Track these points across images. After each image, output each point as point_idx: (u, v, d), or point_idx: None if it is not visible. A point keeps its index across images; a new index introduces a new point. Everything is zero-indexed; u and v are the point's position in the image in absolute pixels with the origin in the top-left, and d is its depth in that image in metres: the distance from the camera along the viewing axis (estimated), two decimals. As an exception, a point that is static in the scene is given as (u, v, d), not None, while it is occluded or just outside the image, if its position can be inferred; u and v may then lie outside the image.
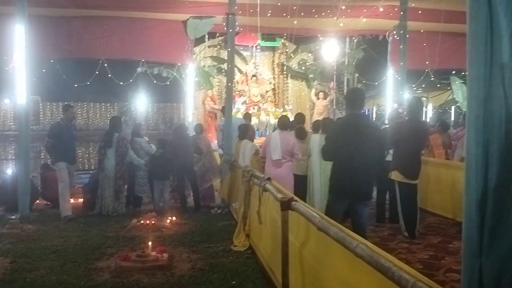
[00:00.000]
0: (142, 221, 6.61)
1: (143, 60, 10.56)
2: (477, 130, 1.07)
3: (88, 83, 10.56)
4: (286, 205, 3.51)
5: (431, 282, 1.68)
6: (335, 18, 8.78)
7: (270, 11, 8.52)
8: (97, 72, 10.28)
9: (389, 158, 6.39)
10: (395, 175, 6.09)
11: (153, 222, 6.61)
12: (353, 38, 12.37)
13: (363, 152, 4.28)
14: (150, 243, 5.14)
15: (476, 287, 1.09)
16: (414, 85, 12.97)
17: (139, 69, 10.75)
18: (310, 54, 13.24)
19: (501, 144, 1.03)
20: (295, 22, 9.01)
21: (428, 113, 19.90)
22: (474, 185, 1.08)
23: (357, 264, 2.30)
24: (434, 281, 1.72)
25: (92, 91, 12.30)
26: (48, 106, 15.46)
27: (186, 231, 6.37)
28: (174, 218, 6.89)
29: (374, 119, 17.26)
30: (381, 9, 8.59)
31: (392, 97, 10.78)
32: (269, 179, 4.62)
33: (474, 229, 1.08)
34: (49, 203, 8.27)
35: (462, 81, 10.92)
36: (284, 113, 11.18)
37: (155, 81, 10.99)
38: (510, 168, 1.04)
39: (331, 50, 11.84)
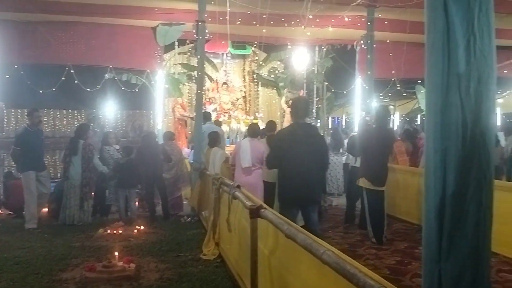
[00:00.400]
0: (109, 231, 6.47)
1: (111, 67, 10.38)
2: (436, 138, 1.10)
3: (54, 89, 10.28)
4: (255, 213, 3.51)
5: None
6: (303, 27, 8.89)
7: (240, 19, 8.56)
8: (63, 79, 10.04)
9: (358, 164, 6.52)
10: (362, 182, 6.19)
11: (120, 231, 6.48)
12: (322, 47, 12.54)
13: (307, 160, 4.42)
14: (116, 253, 5.03)
15: (436, 291, 1.12)
16: (381, 94, 13.25)
17: (107, 76, 10.55)
18: (280, 63, 13.35)
19: (458, 151, 1.06)
20: (264, 30, 9.07)
21: (396, 121, 20.34)
22: (433, 192, 1.11)
23: (324, 271, 2.31)
24: (401, 287, 1.75)
25: (58, 97, 11.96)
26: (12, 113, 14.93)
27: (155, 240, 6.27)
28: (142, 227, 6.78)
29: (344, 127, 17.52)
30: (346, 19, 8.73)
31: (360, 105, 10.99)
32: (238, 186, 4.61)
33: (433, 235, 1.11)
34: (12, 213, 7.99)
35: (427, 90, 11.18)
36: (255, 121, 11.20)
37: (123, 88, 10.81)
38: (467, 175, 1.07)
39: (301, 59, 11.98)
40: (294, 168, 4.44)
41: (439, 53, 1.08)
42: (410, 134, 9.17)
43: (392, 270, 4.92)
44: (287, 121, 12.34)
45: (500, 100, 17.40)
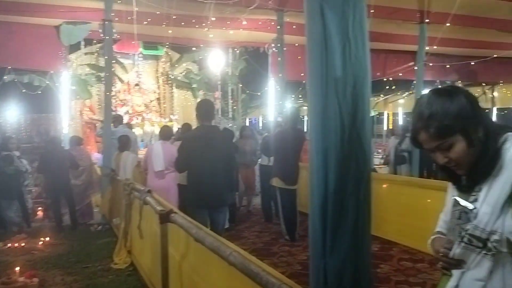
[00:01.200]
0: (9, 245, 5.99)
1: (10, 67, 9.61)
2: (317, 140, 1.15)
3: None
4: (164, 218, 3.44)
5: (295, 285, 1.75)
6: (206, 29, 8.89)
7: (149, 19, 8.34)
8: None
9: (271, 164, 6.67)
10: (275, 182, 6.35)
11: (23, 244, 6.03)
12: (235, 49, 12.67)
13: (214, 163, 4.46)
14: (17, 268, 4.67)
15: (322, 286, 1.17)
16: (293, 96, 13.68)
17: (6, 77, 9.77)
18: (195, 64, 13.26)
19: (337, 151, 1.12)
20: (170, 31, 8.92)
21: (308, 122, 21.11)
22: (316, 191, 1.16)
23: (232, 272, 2.33)
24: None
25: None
26: None
27: (61, 252, 5.92)
28: (48, 239, 6.37)
29: (261, 128, 17.85)
30: (244, 22, 8.83)
31: (274, 106, 11.24)
32: (149, 191, 4.50)
33: (318, 231, 1.16)
34: None
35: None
36: (169, 123, 11.02)
37: (24, 90, 10.06)
38: (346, 174, 1.13)
39: (215, 60, 11.99)
40: (202, 171, 4.45)
41: (318, 59, 1.13)
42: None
43: (304, 266, 5.09)
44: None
45: (401, 101, 18.85)
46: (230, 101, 13.04)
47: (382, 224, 6.33)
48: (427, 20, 8.25)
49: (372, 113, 21.78)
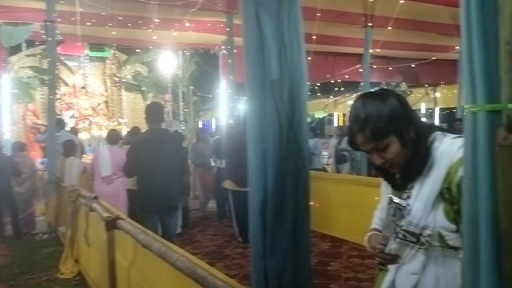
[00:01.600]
0: None
1: None
2: (256, 142, 1.16)
3: None
4: (111, 224, 3.35)
5: (241, 286, 1.76)
6: (149, 30, 8.75)
7: (94, 20, 8.08)
8: None
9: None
10: (228, 184, 6.34)
11: (-42, 258, 5.67)
12: (185, 51, 12.55)
13: (164, 166, 4.42)
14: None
15: (263, 287, 1.17)
16: (245, 97, 13.70)
17: None
18: (144, 66, 13.02)
19: (275, 153, 1.14)
20: (113, 32, 8.71)
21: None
22: (256, 192, 1.17)
23: (180, 278, 2.30)
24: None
25: None
26: None
27: (3, 263, 5.62)
28: (-13, 251, 6.02)
29: (214, 131, 17.77)
30: (188, 24, 8.77)
31: (226, 109, 11.22)
32: (96, 198, 4.37)
33: (258, 233, 1.17)
34: None
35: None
36: (118, 127, 10.76)
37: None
38: (285, 175, 1.15)
39: (165, 62, 11.82)
40: (151, 175, 4.38)
41: (255, 62, 1.14)
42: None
43: (256, 267, 5.11)
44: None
45: (350, 102, 19.38)
46: (181, 104, 12.89)
47: (332, 223, 6.48)
48: (370, 24, 8.53)
49: (323, 114, 22.29)
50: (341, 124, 19.87)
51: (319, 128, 17.01)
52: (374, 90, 1.45)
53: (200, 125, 18.54)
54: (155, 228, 4.38)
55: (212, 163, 8.11)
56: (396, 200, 1.38)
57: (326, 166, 10.28)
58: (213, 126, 23.61)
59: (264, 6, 1.11)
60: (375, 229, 1.57)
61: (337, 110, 21.26)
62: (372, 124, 1.32)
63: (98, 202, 4.24)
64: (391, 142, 1.35)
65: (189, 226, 7.38)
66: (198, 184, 8.41)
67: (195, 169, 8.34)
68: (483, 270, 0.81)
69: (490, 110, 0.79)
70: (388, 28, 8.49)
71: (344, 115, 22.49)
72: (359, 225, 5.83)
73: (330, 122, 22.90)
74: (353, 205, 6.15)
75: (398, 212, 1.37)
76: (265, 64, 1.13)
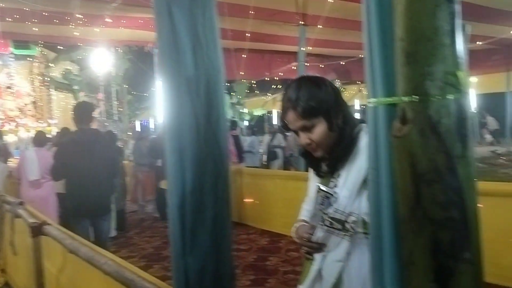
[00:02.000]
0: None
1: None
2: (173, 139, 1.14)
3: None
4: (37, 231, 3.18)
5: (169, 287, 1.75)
6: (71, 26, 8.40)
7: (16, 16, 7.59)
8: None
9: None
10: (164, 184, 6.24)
11: None
12: (118, 49, 12.16)
13: (94, 168, 4.27)
14: None
15: (184, 286, 1.16)
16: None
17: None
18: (75, 64, 12.48)
19: (193, 151, 1.13)
20: (35, 29, 8.24)
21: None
22: (174, 191, 1.15)
23: (110, 282, 2.24)
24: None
25: None
26: None
27: None
28: None
29: (152, 130, 17.37)
30: (109, 20, 8.53)
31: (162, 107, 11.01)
32: (21, 203, 4.13)
33: (177, 232, 1.15)
34: None
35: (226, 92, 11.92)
36: (48, 128, 10.25)
37: None
38: (203, 172, 1.15)
39: (97, 60, 11.39)
40: (80, 177, 4.20)
41: (169, 59, 1.12)
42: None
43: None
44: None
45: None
46: (115, 103, 12.49)
47: (270, 218, 6.58)
48: (301, 22, 8.71)
49: (262, 112, 22.51)
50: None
51: (258, 126, 17.14)
52: (310, 75, 1.50)
53: (137, 124, 18.09)
54: (85, 233, 4.22)
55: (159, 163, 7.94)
56: (323, 188, 1.42)
57: (264, 163, 10.40)
58: (152, 126, 23.10)
59: (176, 2, 1.10)
60: (303, 221, 1.61)
61: (276, 108, 21.56)
62: (303, 103, 1.38)
63: (24, 208, 4.02)
64: (319, 123, 1.40)
65: (126, 229, 7.18)
66: (137, 185, 8.19)
67: (138, 169, 8.09)
68: (386, 256, 0.85)
69: (388, 104, 0.83)
70: (319, 26, 8.71)
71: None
72: (296, 219, 6.02)
73: (270, 119, 23.17)
74: (290, 200, 6.26)
75: (325, 200, 1.41)
76: (180, 60, 1.12)
